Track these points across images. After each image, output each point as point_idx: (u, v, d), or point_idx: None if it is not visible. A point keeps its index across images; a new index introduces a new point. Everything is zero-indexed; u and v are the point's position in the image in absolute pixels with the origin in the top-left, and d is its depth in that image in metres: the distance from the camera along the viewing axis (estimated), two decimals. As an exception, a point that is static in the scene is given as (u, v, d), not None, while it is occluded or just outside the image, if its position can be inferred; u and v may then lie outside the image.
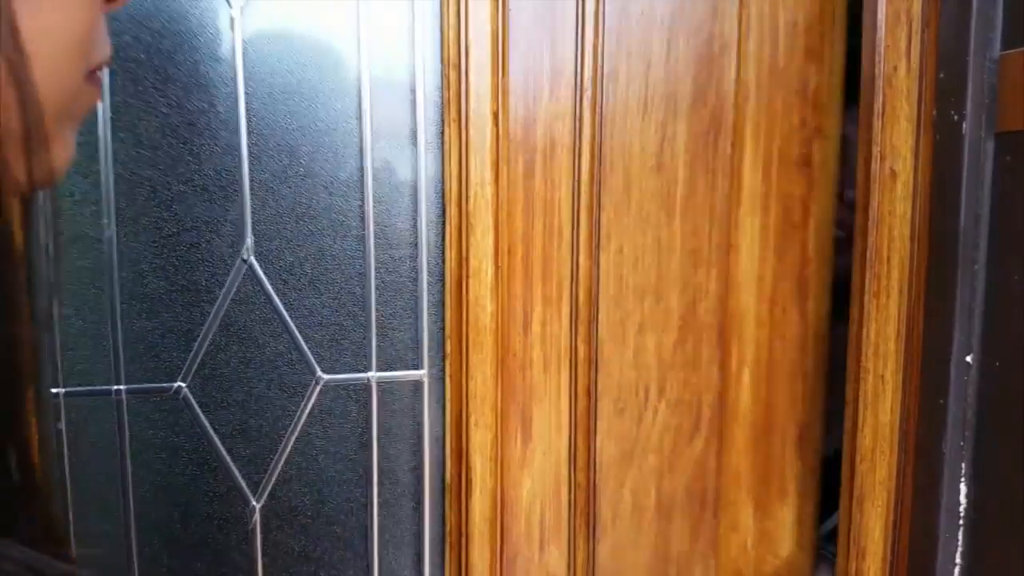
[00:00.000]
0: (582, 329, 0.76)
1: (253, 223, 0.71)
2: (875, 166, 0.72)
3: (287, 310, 0.73)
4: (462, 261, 0.72)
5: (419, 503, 0.77)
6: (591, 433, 0.77)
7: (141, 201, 0.69)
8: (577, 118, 0.74)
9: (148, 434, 0.71)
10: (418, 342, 0.75)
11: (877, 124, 0.72)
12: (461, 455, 0.74)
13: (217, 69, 0.69)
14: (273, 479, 0.74)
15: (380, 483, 0.75)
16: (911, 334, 0.73)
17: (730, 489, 0.81)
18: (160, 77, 0.68)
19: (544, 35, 0.73)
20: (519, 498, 0.77)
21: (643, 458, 0.78)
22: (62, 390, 0.69)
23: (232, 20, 0.69)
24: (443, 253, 0.74)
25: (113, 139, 0.67)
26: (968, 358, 0.69)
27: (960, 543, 0.71)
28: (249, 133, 0.70)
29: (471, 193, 0.72)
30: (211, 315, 0.71)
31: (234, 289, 0.71)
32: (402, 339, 0.75)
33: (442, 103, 0.72)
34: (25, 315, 0.33)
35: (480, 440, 0.74)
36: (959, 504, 0.71)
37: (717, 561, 0.81)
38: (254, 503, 0.74)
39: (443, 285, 0.75)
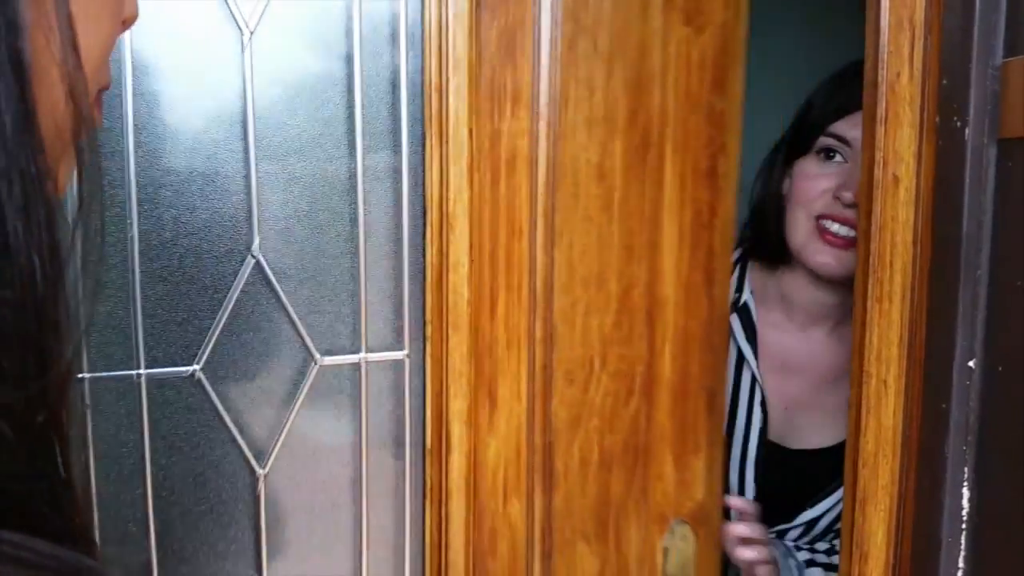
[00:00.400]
0: (539, 312, 0.90)
1: (260, 223, 0.80)
2: (878, 171, 0.74)
3: (289, 300, 0.82)
4: (443, 257, 0.85)
5: (401, 464, 0.88)
6: (547, 401, 0.91)
7: (162, 205, 0.77)
8: (534, 135, 0.88)
9: (166, 413, 0.79)
10: (400, 327, 0.87)
11: (880, 130, 0.73)
12: (442, 422, 0.87)
13: (229, 88, 0.78)
14: (276, 449, 0.83)
15: (368, 448, 0.87)
16: (914, 339, 0.73)
17: (656, 444, 0.97)
18: (181, 94, 0.77)
19: (506, 64, 0.87)
20: (487, 459, 0.90)
21: (589, 420, 0.93)
22: (87, 375, 0.76)
23: (243, 45, 0.78)
24: (424, 250, 0.86)
25: (136, 150, 0.75)
26: (971, 363, 0.68)
27: (963, 547, 0.69)
28: (257, 146, 0.79)
29: (451, 198, 0.84)
30: (223, 306, 0.80)
31: (243, 283, 0.81)
32: (387, 324, 0.87)
33: (423, 122, 0.84)
34: (66, 310, 0.34)
35: (458, 409, 0.87)
36: (962, 508, 0.69)
37: (646, 505, 0.97)
38: (260, 471, 0.83)
39: (423, 277, 0.87)
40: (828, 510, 1.15)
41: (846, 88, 1.06)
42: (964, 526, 0.69)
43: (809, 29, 2.15)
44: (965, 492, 0.69)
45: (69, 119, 0.33)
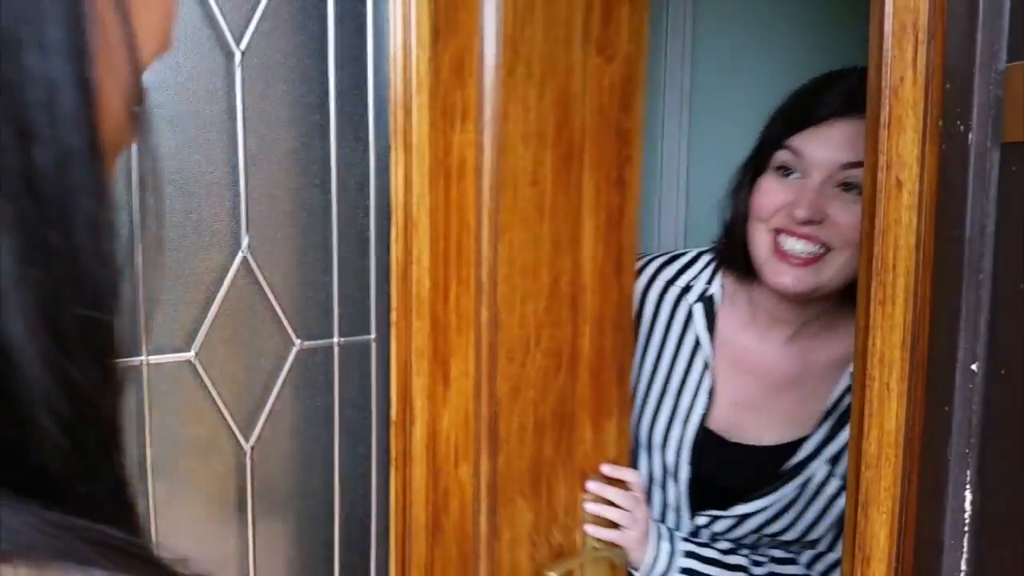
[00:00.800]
0: (485, 300, 1.04)
1: (248, 225, 0.90)
2: (881, 175, 0.73)
3: (272, 292, 0.93)
4: (407, 252, 0.97)
5: (367, 435, 1.00)
6: (491, 376, 1.05)
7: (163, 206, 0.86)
8: (479, 146, 1.02)
9: (165, 396, 0.88)
10: (367, 313, 0.99)
11: (883, 134, 0.73)
12: (406, 397, 0.99)
13: (223, 103, 0.88)
14: (261, 426, 0.93)
15: (340, 421, 0.98)
16: (916, 342, 0.73)
17: (579, 412, 1.14)
18: (182, 107, 0.86)
19: (457, 85, 1.00)
20: (441, 428, 1.03)
21: (526, 392, 1.08)
22: (96, 362, 0.83)
23: (235, 66, 0.88)
24: (388, 246, 0.98)
25: (140, 158, 0.84)
26: (973, 366, 0.67)
27: (965, 550, 0.69)
28: (246, 159, 0.89)
29: (414, 201, 0.97)
30: (216, 298, 0.89)
31: (233, 277, 0.90)
32: (356, 311, 0.98)
33: (388, 135, 0.97)
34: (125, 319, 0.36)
35: (420, 385, 1.00)
36: (964, 511, 0.68)
37: (571, 464, 1.14)
38: (246, 446, 0.93)
39: (388, 270, 0.99)
40: (761, 510, 1.20)
41: (803, 104, 1.10)
42: (966, 528, 0.69)
43: (815, 33, 2.22)
44: (967, 495, 0.68)
45: (124, 135, 0.35)
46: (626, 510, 1.16)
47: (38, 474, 0.29)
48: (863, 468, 0.76)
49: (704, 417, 1.22)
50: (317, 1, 0.92)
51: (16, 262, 0.28)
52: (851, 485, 0.79)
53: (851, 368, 1.09)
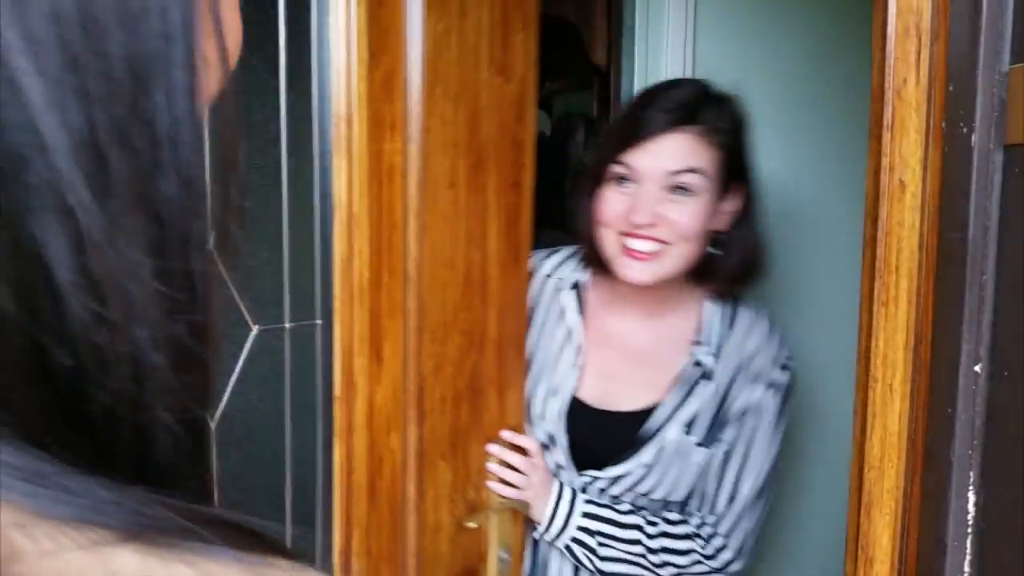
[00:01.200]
0: (412, 289, 1.19)
1: (212, 222, 1.01)
2: (884, 177, 0.74)
3: (233, 283, 1.03)
4: (350, 247, 1.11)
5: (314, 409, 1.13)
6: (418, 356, 1.20)
7: (141, 206, 0.95)
8: (406, 154, 1.17)
9: (143, 377, 0.97)
10: (313, 301, 1.11)
11: (886, 136, 0.74)
12: (350, 376, 1.12)
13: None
14: (224, 403, 1.04)
15: (292, 396, 1.10)
16: (919, 344, 0.73)
17: (487, 385, 1.31)
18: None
19: (386, 100, 1.15)
20: (376, 403, 1.17)
21: (447, 368, 1.24)
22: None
23: (203, 79, 0.98)
24: (331, 241, 1.11)
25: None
26: (976, 367, 0.67)
27: (968, 551, 0.69)
28: (210, 164, 1.00)
29: (355, 202, 1.10)
30: (187, 287, 0.99)
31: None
32: (304, 299, 1.10)
33: (332, 144, 1.10)
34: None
35: (360, 365, 1.13)
36: (967, 512, 0.68)
37: (481, 429, 1.31)
38: (211, 423, 1.03)
39: (330, 262, 1.12)
40: (628, 473, 1.34)
41: (631, 124, 1.25)
42: (970, 530, 0.69)
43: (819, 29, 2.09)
44: (971, 496, 0.68)
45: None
46: (523, 473, 1.34)
47: (159, 471, 0.33)
48: (866, 469, 0.76)
49: (576, 389, 1.37)
50: (270, 25, 1.04)
51: (146, 281, 0.30)
52: (854, 486, 0.79)
53: (695, 337, 1.36)
